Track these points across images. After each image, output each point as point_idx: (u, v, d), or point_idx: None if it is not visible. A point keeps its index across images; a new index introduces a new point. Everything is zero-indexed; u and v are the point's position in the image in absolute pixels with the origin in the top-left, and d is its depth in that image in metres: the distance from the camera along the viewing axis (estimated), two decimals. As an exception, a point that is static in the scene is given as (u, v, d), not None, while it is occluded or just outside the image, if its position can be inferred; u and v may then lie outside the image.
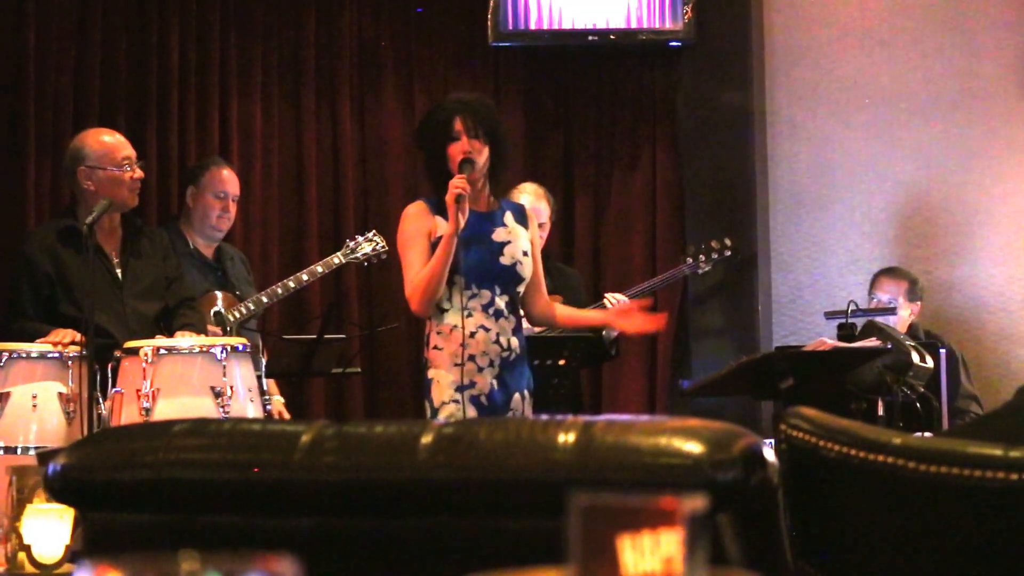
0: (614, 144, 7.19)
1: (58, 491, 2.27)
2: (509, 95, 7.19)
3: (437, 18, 7.12)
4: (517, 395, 4.57)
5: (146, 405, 4.58)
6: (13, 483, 3.26)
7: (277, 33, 6.93)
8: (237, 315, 5.63)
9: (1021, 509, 1.94)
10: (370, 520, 2.08)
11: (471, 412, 4.48)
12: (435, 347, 4.56)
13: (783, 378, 4.89)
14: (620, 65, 7.19)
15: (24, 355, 4.78)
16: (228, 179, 5.91)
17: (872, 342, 5.11)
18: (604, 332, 5.88)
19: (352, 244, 5.93)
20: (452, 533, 2.02)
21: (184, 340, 4.82)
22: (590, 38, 6.96)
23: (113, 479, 2.21)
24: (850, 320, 5.34)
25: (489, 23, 6.89)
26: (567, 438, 1.96)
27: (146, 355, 4.63)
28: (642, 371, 7.04)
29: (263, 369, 5.07)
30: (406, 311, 5.48)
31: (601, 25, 6.94)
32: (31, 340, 4.84)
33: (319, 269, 5.85)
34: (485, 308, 4.55)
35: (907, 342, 5.20)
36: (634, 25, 6.94)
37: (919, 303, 6.30)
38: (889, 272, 6.36)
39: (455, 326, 4.52)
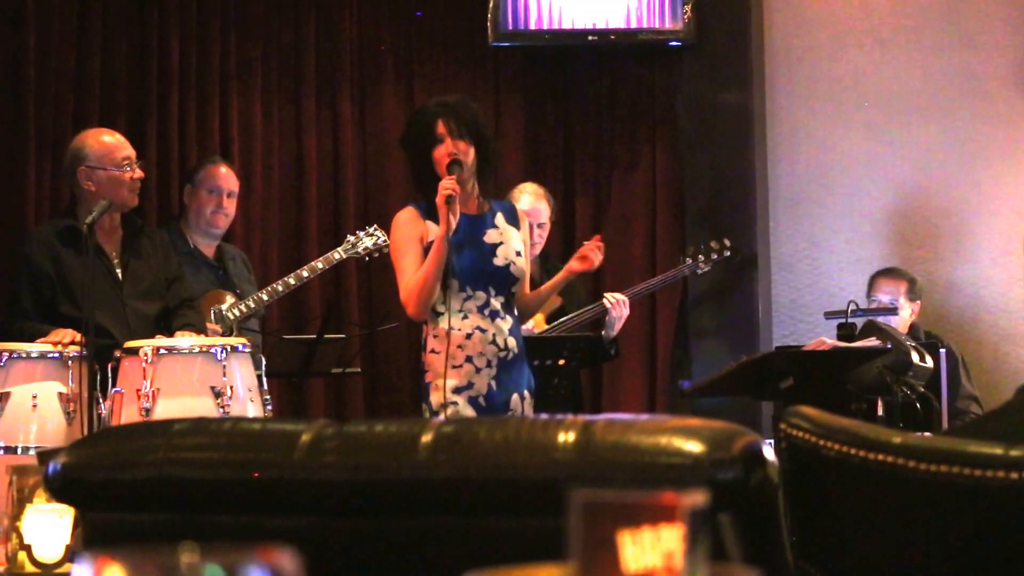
0: (614, 144, 7.19)
1: (58, 490, 2.27)
2: (509, 95, 7.19)
3: (437, 18, 7.13)
4: (516, 395, 4.57)
5: (146, 405, 4.58)
6: (13, 483, 3.26)
7: (277, 33, 6.93)
8: (238, 313, 5.63)
9: (1021, 508, 1.94)
10: (370, 519, 2.08)
11: (469, 413, 4.48)
12: (432, 350, 4.57)
13: (783, 378, 4.89)
14: (620, 65, 7.19)
15: (24, 355, 4.78)
16: (223, 175, 5.91)
17: (872, 342, 5.11)
18: (603, 332, 5.88)
19: (353, 239, 5.93)
20: (452, 532, 2.02)
21: (184, 340, 4.82)
22: (590, 38, 6.96)
23: (113, 478, 2.21)
24: (850, 320, 5.34)
25: (489, 23, 6.89)
26: (567, 437, 1.96)
27: (146, 355, 4.63)
28: (642, 371, 7.04)
29: (263, 369, 5.07)
30: (405, 311, 5.48)
31: (601, 25, 6.94)
32: (31, 340, 4.84)
33: (319, 265, 5.84)
34: (480, 309, 4.55)
35: (907, 342, 5.20)
36: (634, 25, 6.94)
37: (919, 302, 6.30)
38: (887, 273, 6.35)
39: (451, 328, 4.53)
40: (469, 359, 4.52)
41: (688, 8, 6.90)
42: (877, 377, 4.97)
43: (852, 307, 5.43)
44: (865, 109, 6.85)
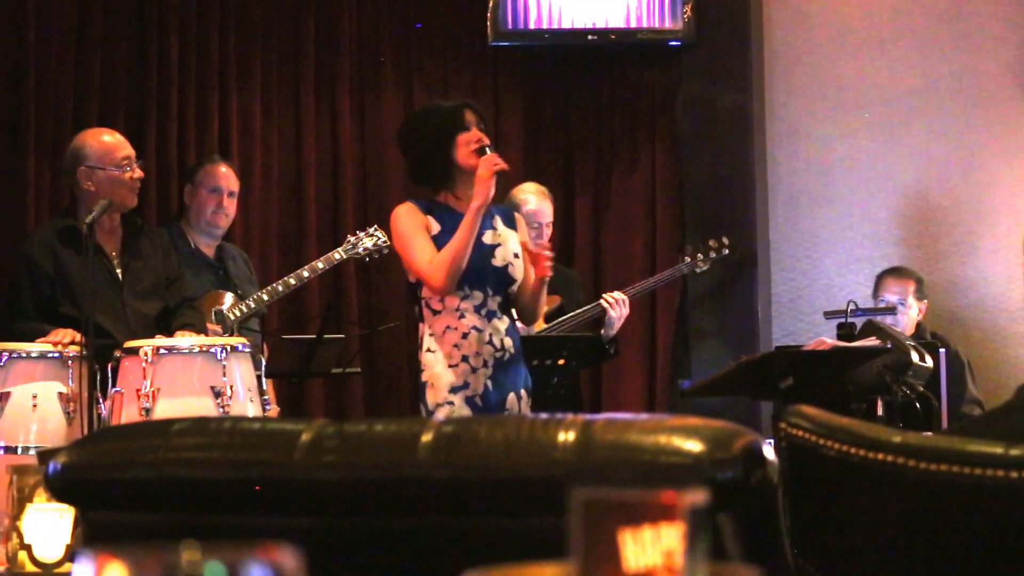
0: (614, 144, 7.19)
1: (58, 490, 2.27)
2: (509, 95, 7.20)
3: (437, 18, 7.13)
4: (512, 395, 4.58)
5: (146, 405, 4.58)
6: (13, 482, 3.26)
7: (277, 33, 6.93)
8: (238, 313, 5.63)
9: (1021, 507, 1.94)
10: (370, 519, 2.08)
11: (466, 412, 4.49)
12: (428, 350, 4.57)
13: (783, 378, 4.89)
14: (620, 65, 7.20)
15: (24, 355, 4.78)
16: (224, 175, 5.91)
17: (872, 342, 5.11)
18: (602, 332, 5.89)
19: (353, 239, 5.93)
20: (452, 531, 2.02)
21: (184, 340, 4.83)
22: (590, 38, 6.97)
23: (113, 478, 2.21)
24: (849, 320, 5.34)
25: (489, 23, 6.90)
26: (567, 436, 1.96)
27: (146, 355, 4.63)
28: (642, 371, 7.04)
29: (263, 369, 5.07)
30: (406, 310, 5.49)
31: (601, 25, 6.94)
32: (31, 340, 4.84)
33: (320, 265, 5.84)
34: (477, 309, 4.56)
35: (907, 341, 5.20)
36: (634, 25, 6.95)
37: (926, 301, 6.30)
38: (894, 273, 6.33)
39: (448, 327, 4.54)
40: (465, 359, 4.53)
41: (688, 8, 6.90)
42: (877, 377, 4.97)
43: (852, 307, 5.43)
44: (865, 109, 6.85)
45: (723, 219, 6.91)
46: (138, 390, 4.60)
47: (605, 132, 7.20)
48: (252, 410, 4.76)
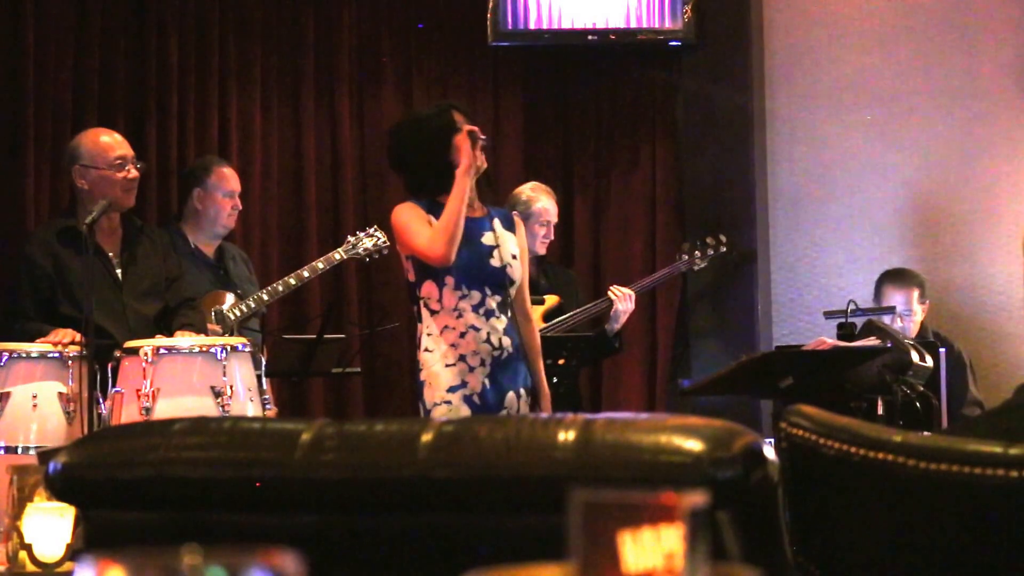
0: (614, 144, 7.19)
1: (59, 489, 2.27)
2: (509, 95, 7.20)
3: (437, 18, 7.13)
4: (511, 394, 4.58)
5: (146, 405, 4.58)
6: (14, 482, 3.26)
7: (277, 33, 6.93)
8: (238, 313, 5.63)
9: (1021, 506, 1.94)
10: (370, 518, 2.08)
11: (464, 411, 4.49)
12: (426, 349, 4.58)
13: (783, 377, 4.89)
14: (620, 65, 7.20)
15: (24, 355, 4.78)
16: (233, 177, 5.96)
17: (872, 341, 5.11)
18: (607, 326, 5.91)
19: (353, 240, 5.93)
20: (452, 531, 2.02)
21: (184, 340, 4.83)
22: (590, 38, 6.97)
23: (114, 477, 2.21)
24: (850, 319, 5.34)
25: (489, 23, 6.90)
26: (567, 436, 1.97)
27: (146, 355, 4.63)
28: (642, 371, 7.04)
29: (263, 368, 5.07)
30: (406, 311, 5.48)
31: (601, 25, 6.94)
32: (31, 340, 4.84)
33: (320, 265, 5.85)
34: (475, 308, 4.56)
35: (907, 341, 5.20)
36: (634, 25, 6.95)
37: (927, 301, 6.30)
38: (895, 279, 6.28)
39: (446, 326, 4.54)
40: (463, 357, 4.54)
41: (688, 8, 6.90)
42: (877, 376, 4.97)
43: (852, 306, 5.43)
44: (865, 109, 6.85)
45: (723, 219, 6.91)
46: (138, 390, 4.60)
47: (605, 132, 7.20)
48: (252, 410, 4.76)
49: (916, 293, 6.21)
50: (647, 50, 7.09)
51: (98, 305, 4.76)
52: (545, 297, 5.87)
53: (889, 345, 5.05)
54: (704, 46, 6.99)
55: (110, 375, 4.68)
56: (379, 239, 5.90)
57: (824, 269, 6.82)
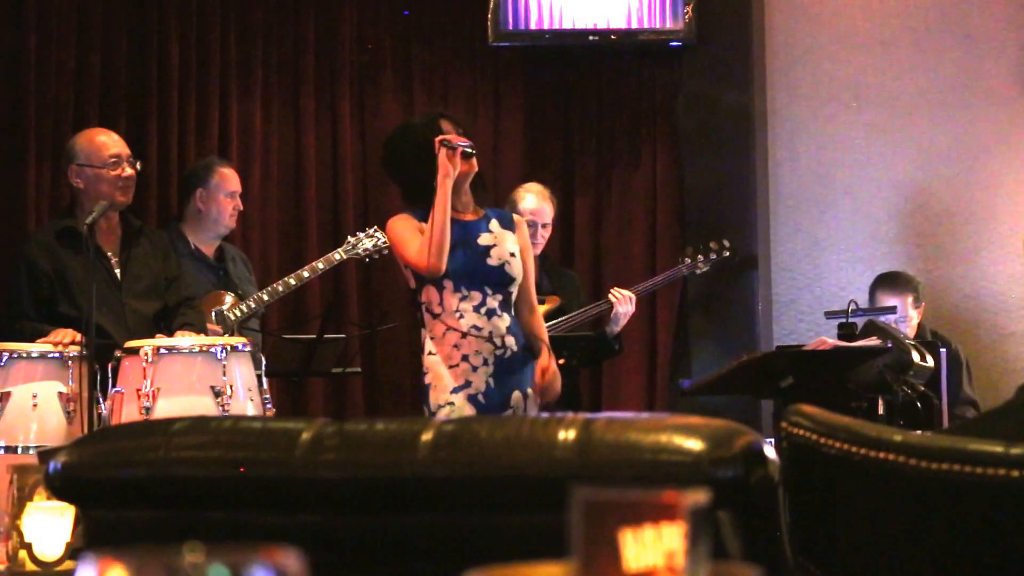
0: (614, 144, 7.19)
1: (59, 489, 2.27)
2: (509, 95, 7.20)
3: (437, 18, 7.12)
4: (517, 393, 4.58)
5: (146, 404, 4.58)
6: (14, 481, 3.26)
7: (277, 33, 6.93)
8: (238, 313, 5.64)
9: (1021, 506, 1.94)
10: (371, 517, 2.08)
11: (468, 411, 4.50)
12: (429, 353, 4.59)
13: (783, 377, 4.89)
14: (620, 65, 7.19)
15: (24, 355, 4.78)
16: (235, 177, 5.97)
17: (872, 341, 5.11)
18: (607, 328, 5.91)
19: (353, 240, 5.93)
20: (452, 530, 2.02)
21: (184, 340, 4.83)
22: (590, 38, 6.97)
23: (114, 476, 2.21)
24: (850, 319, 5.34)
25: (489, 23, 6.89)
26: (567, 435, 1.97)
27: (146, 355, 4.63)
28: (642, 371, 7.04)
29: (263, 368, 5.07)
30: (406, 310, 5.48)
31: (601, 25, 6.94)
32: (31, 340, 4.84)
33: (320, 265, 5.84)
34: (477, 308, 4.57)
35: (907, 341, 5.19)
36: (634, 25, 6.94)
37: (923, 304, 6.29)
38: (888, 284, 6.27)
39: (448, 329, 4.55)
40: (465, 358, 4.54)
41: (689, 8, 6.90)
42: (878, 376, 4.97)
43: (852, 307, 5.42)
44: (866, 109, 6.84)
45: (724, 219, 6.91)
46: (138, 390, 4.60)
47: (605, 132, 7.20)
48: (252, 409, 4.76)
49: (910, 299, 6.19)
50: (647, 50, 7.09)
51: (97, 305, 4.75)
52: (546, 298, 5.86)
53: (890, 345, 5.05)
54: (705, 46, 6.99)
55: (110, 375, 4.68)
56: (379, 239, 5.90)
57: (825, 268, 6.82)
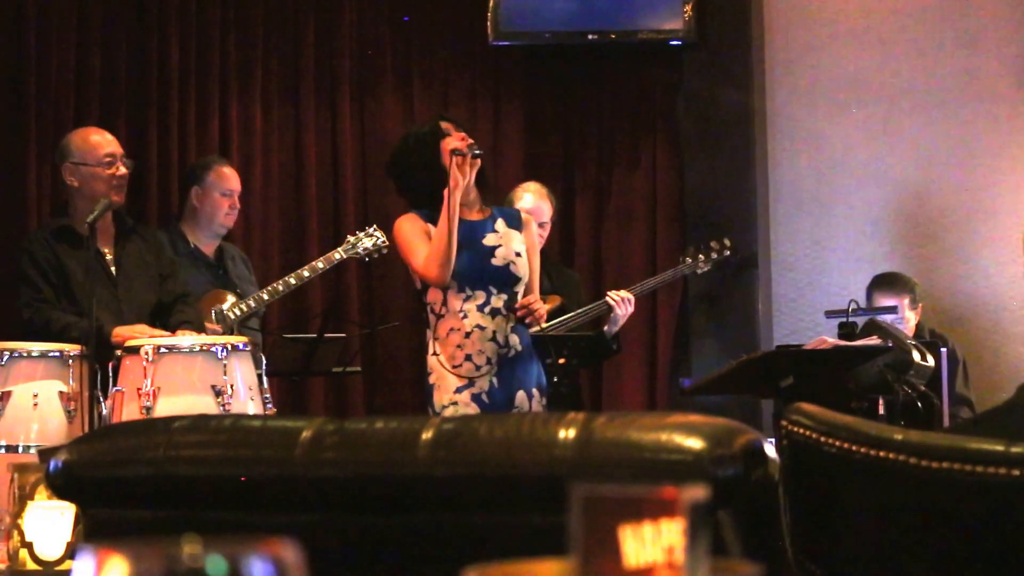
0: (614, 144, 7.19)
1: (59, 488, 2.27)
2: (509, 95, 7.20)
3: (437, 18, 7.12)
4: (521, 392, 4.59)
5: (147, 404, 4.58)
6: (15, 480, 3.26)
7: (277, 33, 6.93)
8: (238, 312, 5.64)
9: (1022, 505, 1.94)
10: (371, 516, 2.08)
11: (472, 411, 4.50)
12: (434, 353, 4.61)
13: (784, 377, 4.89)
14: (620, 65, 7.19)
15: (25, 354, 4.79)
16: (233, 176, 5.96)
17: (873, 341, 5.11)
18: (606, 328, 5.91)
19: (353, 239, 5.94)
20: (453, 528, 2.02)
21: (185, 339, 4.83)
22: (590, 38, 6.96)
23: (114, 475, 2.21)
24: (851, 319, 5.33)
25: (489, 23, 6.89)
26: (568, 434, 1.97)
27: (147, 354, 4.63)
28: (642, 370, 7.04)
29: (264, 367, 5.07)
30: (406, 310, 5.49)
31: (601, 25, 6.94)
32: (65, 331, 4.86)
33: (320, 265, 5.85)
34: (481, 308, 4.58)
35: (908, 341, 5.19)
36: (634, 25, 6.94)
37: (920, 305, 6.29)
38: (885, 285, 6.27)
39: (452, 329, 4.56)
40: (469, 357, 4.55)
41: (688, 7, 6.90)
42: (878, 376, 4.97)
43: (853, 306, 5.42)
44: (866, 108, 6.84)
45: (724, 218, 6.91)
46: (139, 389, 4.60)
47: (605, 132, 7.20)
48: (253, 409, 4.76)
49: (907, 300, 6.19)
50: (648, 50, 7.09)
51: (96, 303, 4.76)
52: (547, 297, 5.86)
53: (890, 345, 5.05)
54: (705, 46, 6.99)
55: (111, 374, 4.68)
56: (379, 239, 5.91)
57: (825, 268, 6.82)
